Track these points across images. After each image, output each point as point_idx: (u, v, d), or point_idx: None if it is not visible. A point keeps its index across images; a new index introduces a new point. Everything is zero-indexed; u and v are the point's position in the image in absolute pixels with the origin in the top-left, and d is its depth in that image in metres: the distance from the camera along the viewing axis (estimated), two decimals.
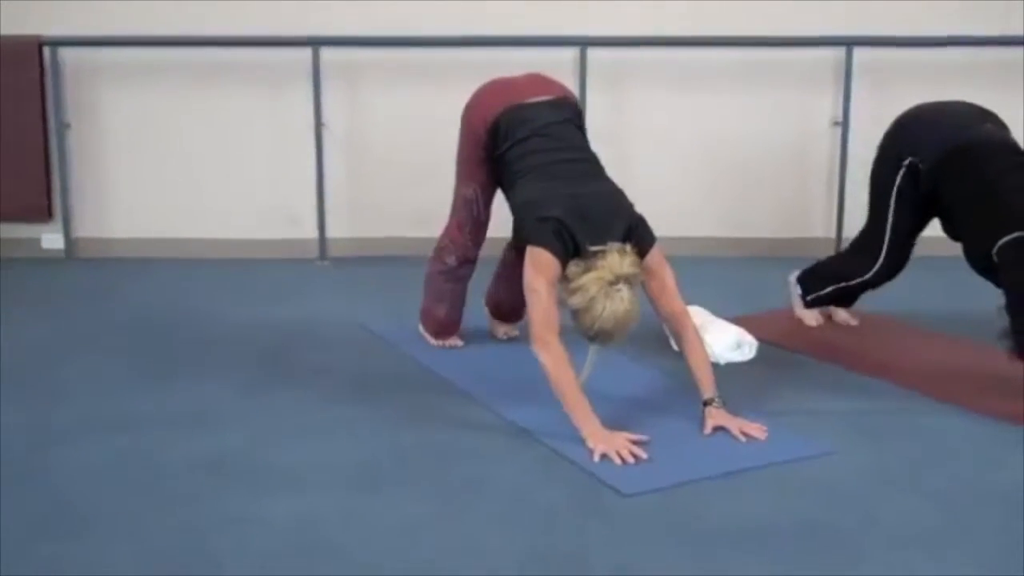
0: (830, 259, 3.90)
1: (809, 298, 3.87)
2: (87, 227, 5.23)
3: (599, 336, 2.81)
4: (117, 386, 3.25)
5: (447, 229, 3.54)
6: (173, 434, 2.85)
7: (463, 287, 3.61)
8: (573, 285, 2.80)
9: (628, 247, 2.83)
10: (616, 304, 2.74)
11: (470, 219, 3.46)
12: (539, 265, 2.85)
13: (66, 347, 3.68)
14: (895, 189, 3.47)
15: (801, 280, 3.91)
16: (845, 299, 3.86)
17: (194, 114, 5.14)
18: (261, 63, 5.11)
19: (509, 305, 3.73)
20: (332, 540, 2.25)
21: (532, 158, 3.11)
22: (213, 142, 5.18)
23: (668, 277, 2.98)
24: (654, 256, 2.95)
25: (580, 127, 3.31)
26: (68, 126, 5.12)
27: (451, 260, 3.53)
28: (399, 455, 2.72)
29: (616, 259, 2.77)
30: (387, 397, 3.16)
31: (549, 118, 3.21)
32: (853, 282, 3.71)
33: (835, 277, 3.79)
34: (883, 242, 3.56)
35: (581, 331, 2.84)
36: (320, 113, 5.08)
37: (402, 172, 5.19)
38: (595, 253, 2.80)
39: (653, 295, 2.97)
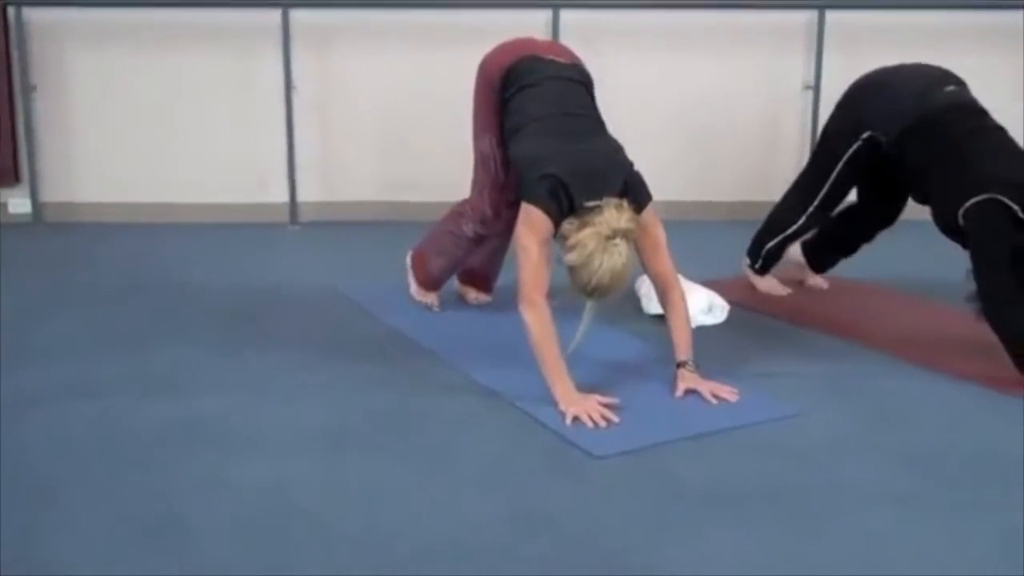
0: (763, 223, 3.93)
1: (757, 265, 3.90)
2: (55, 191, 5.18)
3: (595, 291, 2.78)
4: (86, 351, 3.22)
5: (471, 195, 3.46)
6: (143, 399, 2.83)
7: (465, 256, 3.57)
8: (570, 242, 2.77)
9: (625, 202, 2.81)
10: (614, 259, 2.72)
11: (489, 179, 3.37)
12: (532, 223, 2.83)
13: (34, 312, 3.64)
14: (847, 156, 3.52)
15: (747, 253, 3.97)
16: (781, 252, 3.90)
17: (162, 76, 5.08)
18: (231, 24, 5.05)
19: (484, 273, 3.72)
20: (303, 504, 2.24)
21: (536, 107, 3.09)
22: (182, 105, 5.13)
23: (661, 236, 2.97)
24: (648, 214, 2.93)
25: (589, 91, 3.27)
26: (34, 88, 5.05)
27: (467, 229, 3.46)
28: (371, 419, 2.71)
29: (613, 214, 2.75)
30: (359, 361, 3.15)
31: (560, 73, 3.19)
32: (788, 231, 3.78)
33: (771, 232, 3.85)
34: (816, 197, 3.65)
35: (577, 287, 2.81)
36: (290, 76, 5.04)
37: (373, 136, 5.16)
38: (591, 208, 2.78)
39: (645, 253, 2.95)
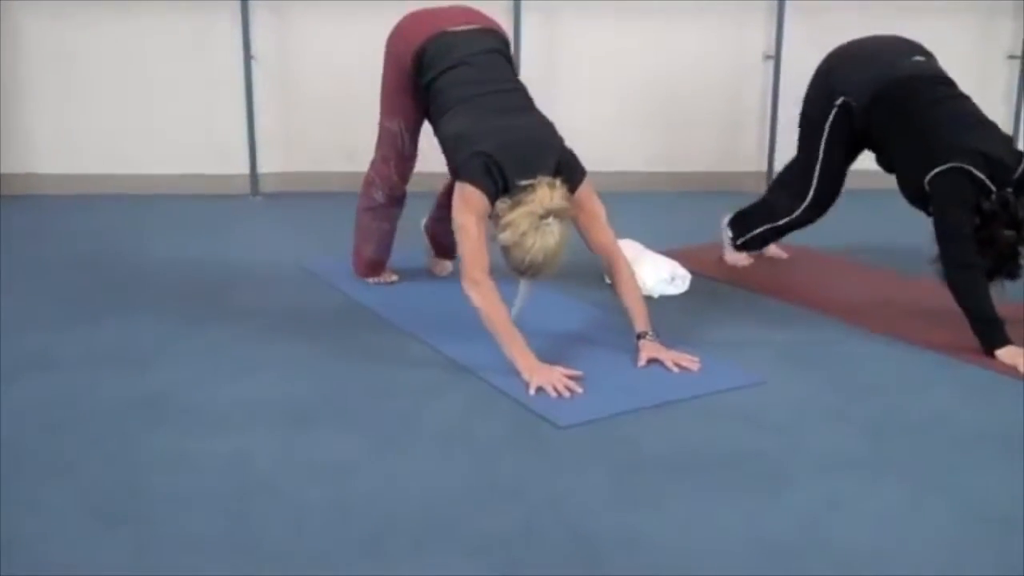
0: (759, 201, 3.91)
1: (739, 241, 3.89)
2: (11, 163, 5.09)
3: (529, 270, 2.81)
4: (43, 325, 3.18)
5: (373, 163, 3.47)
6: (103, 373, 2.80)
7: (391, 227, 3.56)
8: (503, 221, 2.77)
9: (558, 181, 2.80)
10: (547, 239, 2.73)
11: (395, 153, 3.39)
12: (468, 201, 2.82)
13: None
14: (827, 128, 3.49)
15: (732, 223, 3.93)
16: (774, 239, 3.89)
17: (119, 46, 5.00)
18: None
19: (448, 240, 3.70)
20: (266, 478, 2.23)
21: (461, 89, 3.05)
22: (140, 75, 5.05)
23: (598, 210, 2.97)
24: (584, 190, 2.93)
25: (508, 59, 3.25)
26: None
27: (379, 196, 3.47)
28: (334, 392, 2.70)
29: (546, 193, 2.75)
30: (321, 334, 3.14)
31: (477, 47, 3.14)
32: (781, 222, 3.73)
33: (763, 218, 3.80)
34: (812, 180, 3.58)
35: (512, 267, 2.83)
36: (249, 44, 4.97)
37: (335, 105, 5.10)
38: (524, 187, 2.78)
39: (584, 229, 2.95)
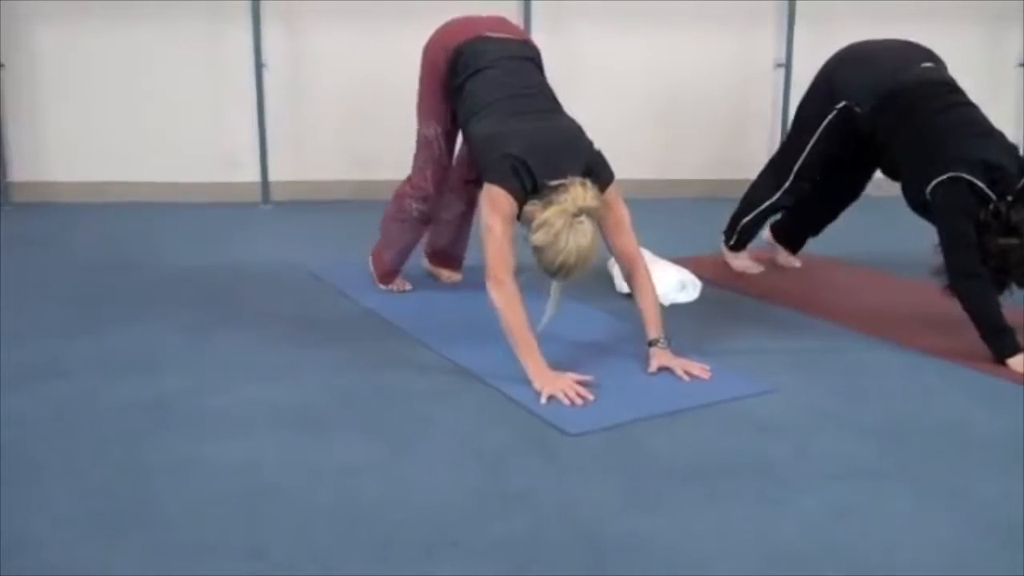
0: (740, 200, 3.95)
1: (731, 242, 3.91)
2: (23, 171, 5.12)
3: (561, 271, 2.78)
4: (55, 331, 3.19)
5: (410, 176, 3.46)
6: (113, 379, 2.80)
7: (415, 239, 3.57)
8: (537, 222, 2.75)
9: (588, 181, 2.80)
10: (579, 238, 2.71)
11: (431, 161, 3.38)
12: (495, 203, 2.81)
13: (2, 293, 3.60)
14: (822, 126, 3.52)
15: (725, 231, 3.97)
16: (759, 226, 3.89)
17: (132, 54, 5.03)
18: (201, 1, 4.99)
19: (451, 253, 3.71)
20: (275, 483, 2.23)
21: (491, 91, 3.06)
22: (152, 83, 5.08)
23: (624, 215, 2.97)
24: (611, 193, 2.93)
25: (539, 67, 3.27)
26: (1, 67, 4.98)
27: (413, 210, 3.46)
28: (343, 397, 2.71)
29: (579, 191, 2.74)
30: (331, 340, 3.14)
31: (511, 52, 3.16)
32: (762, 207, 3.78)
33: (744, 210, 3.85)
34: (792, 169, 3.65)
35: (543, 267, 2.80)
36: (260, 53, 4.99)
37: (346, 113, 5.13)
38: (555, 187, 2.76)
39: (609, 232, 2.94)
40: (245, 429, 2.50)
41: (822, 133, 3.53)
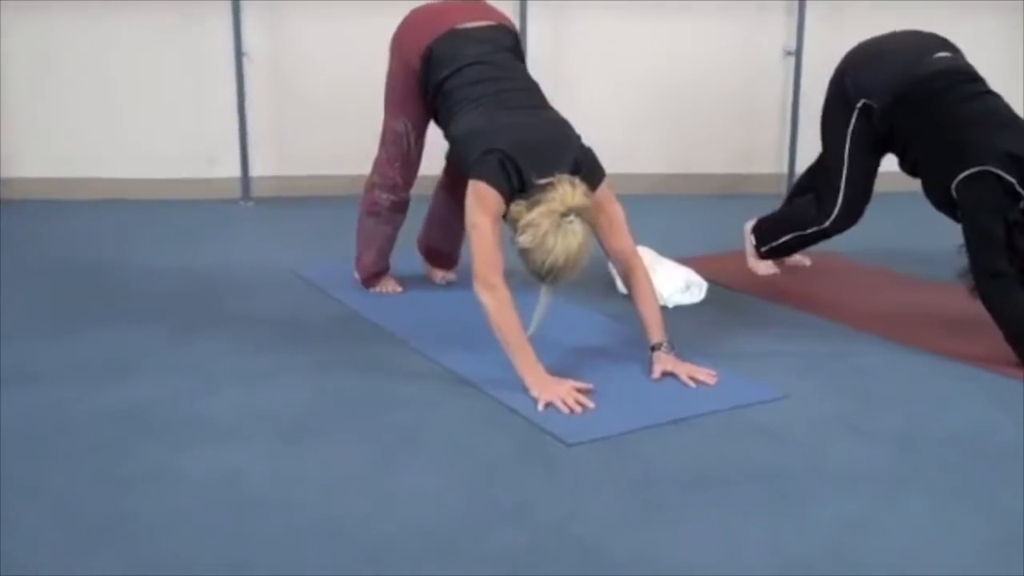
0: (785, 208, 3.91)
1: (764, 249, 3.86)
2: None
3: (550, 274, 2.78)
4: (26, 335, 3.19)
5: (376, 163, 3.49)
6: (87, 385, 2.80)
7: (394, 231, 3.58)
8: (522, 223, 2.75)
9: (578, 179, 2.80)
10: (569, 238, 2.71)
11: (400, 155, 3.41)
12: (482, 201, 2.82)
13: None
14: (849, 133, 3.47)
15: (756, 230, 3.90)
16: (800, 247, 3.86)
17: (104, 44, 5.02)
18: None
19: (444, 250, 3.72)
20: (258, 495, 2.23)
21: (472, 88, 3.06)
22: (126, 74, 5.07)
23: (617, 213, 2.97)
24: (603, 191, 2.93)
25: (520, 56, 3.28)
26: None
27: (383, 200, 3.48)
28: (330, 405, 2.71)
29: (567, 190, 2.73)
30: (317, 345, 3.14)
31: (487, 46, 3.15)
32: (808, 231, 3.68)
33: (790, 226, 3.76)
34: (839, 188, 3.54)
35: (531, 270, 2.81)
36: (240, 41, 4.99)
37: (330, 106, 5.12)
38: (543, 186, 2.76)
39: (601, 233, 2.95)
40: (226, 438, 2.50)
41: (852, 140, 3.46)
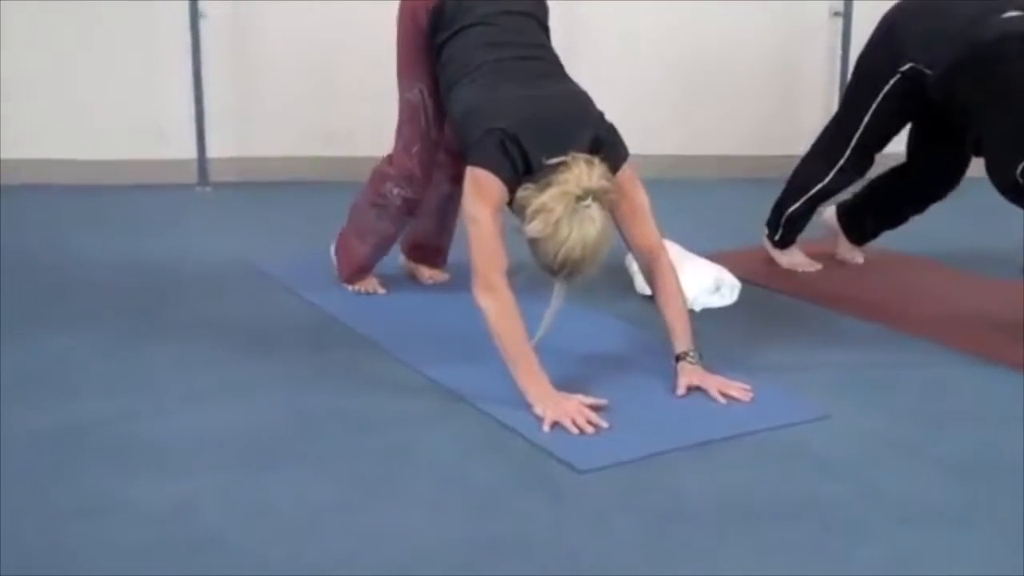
0: (787, 180, 3.98)
1: (776, 236, 3.92)
2: None
3: (564, 268, 2.76)
4: None
5: (392, 154, 3.45)
6: (18, 402, 2.80)
7: (395, 232, 3.57)
8: (532, 208, 2.73)
9: (596, 159, 2.79)
10: (585, 226, 2.69)
11: (418, 135, 3.36)
12: (481, 189, 2.81)
13: None
14: (883, 93, 3.53)
15: (768, 221, 3.99)
16: (809, 214, 3.92)
17: (38, 2, 5.02)
18: None
19: (431, 245, 3.72)
20: (215, 531, 2.23)
21: (474, 53, 3.06)
22: (63, 39, 5.06)
23: (643, 200, 2.97)
24: (626, 173, 2.93)
25: (542, 24, 3.25)
26: None
27: (394, 195, 3.44)
28: (301, 425, 2.71)
29: (583, 170, 2.72)
30: (286, 354, 3.15)
31: (504, 6, 3.15)
32: (811, 191, 3.80)
33: (794, 194, 3.87)
34: (849, 142, 3.67)
35: (542, 264, 2.79)
36: (197, 2, 4.99)
37: (303, 75, 5.13)
38: (555, 166, 2.75)
39: (624, 222, 2.94)
40: (180, 464, 2.51)
41: (882, 103, 3.53)
